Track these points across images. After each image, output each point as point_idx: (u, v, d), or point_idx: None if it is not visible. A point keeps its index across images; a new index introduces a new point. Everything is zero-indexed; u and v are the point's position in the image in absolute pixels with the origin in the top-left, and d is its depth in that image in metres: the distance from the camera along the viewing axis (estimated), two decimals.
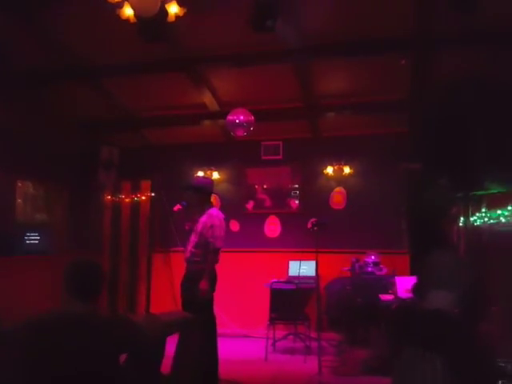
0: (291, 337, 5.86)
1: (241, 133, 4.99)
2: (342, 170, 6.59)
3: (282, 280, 5.92)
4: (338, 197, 6.62)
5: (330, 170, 6.63)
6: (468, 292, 2.00)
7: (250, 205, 6.86)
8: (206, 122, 6.38)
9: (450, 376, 1.68)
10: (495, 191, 2.29)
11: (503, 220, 3.03)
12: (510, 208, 2.82)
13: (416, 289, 1.95)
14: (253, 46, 4.85)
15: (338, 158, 6.61)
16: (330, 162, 6.64)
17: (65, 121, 6.26)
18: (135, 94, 5.94)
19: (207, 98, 5.91)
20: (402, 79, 5.36)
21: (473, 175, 2.16)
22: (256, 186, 6.88)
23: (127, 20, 3.34)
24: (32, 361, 1.89)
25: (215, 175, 6.87)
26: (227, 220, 6.46)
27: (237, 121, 4.95)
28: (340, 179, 6.62)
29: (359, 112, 6.05)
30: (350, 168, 6.60)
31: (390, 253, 5.78)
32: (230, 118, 5.02)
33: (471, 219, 3.25)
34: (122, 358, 2.16)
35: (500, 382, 1.59)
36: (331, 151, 6.59)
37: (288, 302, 5.54)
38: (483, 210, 3.22)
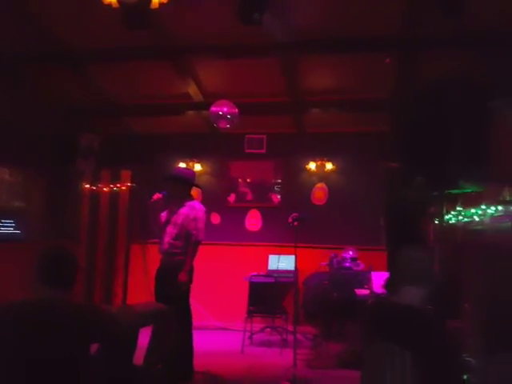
0: (268, 330, 5.89)
1: (224, 125, 4.98)
2: (325, 166, 6.63)
3: (261, 274, 5.94)
4: (319, 192, 6.66)
5: (312, 165, 6.67)
6: (439, 289, 2.04)
7: (231, 198, 6.86)
8: (190, 113, 6.35)
9: (418, 370, 1.71)
10: (469, 190, 2.34)
11: (477, 219, 3.09)
12: (483, 207, 2.88)
13: (388, 284, 1.98)
14: (240, 38, 4.83)
15: (321, 154, 6.65)
16: (313, 157, 6.67)
17: (44, 106, 6.15)
18: (118, 81, 5.87)
19: (192, 88, 5.87)
20: (388, 78, 5.40)
21: (449, 174, 2.19)
22: (239, 180, 6.87)
23: (109, 5, 3.29)
24: (3, 348, 1.87)
25: (197, 167, 6.84)
26: (208, 213, 6.48)
27: (220, 112, 4.93)
28: (322, 175, 6.65)
29: (344, 109, 6.09)
30: (333, 164, 6.65)
31: (368, 249, 5.85)
32: (213, 109, 4.99)
33: (446, 218, 3.30)
34: (94, 348, 2.15)
35: (465, 376, 1.62)
36: (314, 147, 6.62)
37: (266, 296, 5.57)
38: (458, 208, 3.28)
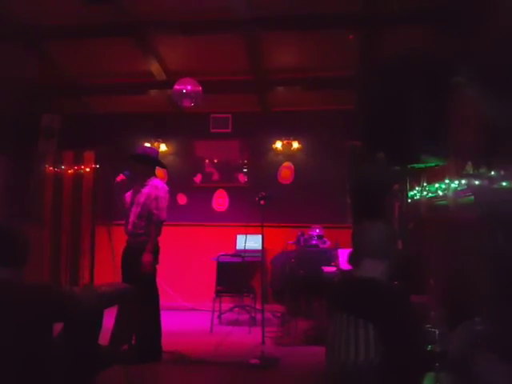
0: (237, 309, 5.91)
1: (188, 103, 4.88)
2: (291, 145, 6.62)
3: (229, 253, 5.93)
4: (286, 171, 6.66)
5: (278, 144, 6.65)
6: (402, 263, 2.06)
7: (197, 178, 6.78)
8: (153, 92, 6.19)
9: (381, 342, 1.73)
10: (432, 165, 2.37)
11: (440, 193, 3.13)
12: (446, 181, 2.92)
13: (351, 257, 1.98)
14: (202, 14, 4.71)
15: (287, 133, 6.63)
16: (279, 136, 6.65)
17: (1, 86, 5.86)
18: (78, 59, 5.64)
19: (154, 67, 5.70)
20: (352, 56, 5.39)
21: (410, 149, 2.21)
22: (206, 160, 6.79)
23: None
24: None
25: (163, 147, 6.71)
26: (174, 193, 6.39)
27: (184, 91, 4.82)
28: (288, 154, 6.65)
29: (309, 87, 6.06)
30: (299, 143, 6.64)
31: (335, 227, 5.91)
32: (176, 87, 4.88)
33: (411, 193, 3.35)
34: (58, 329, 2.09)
35: (429, 346, 1.66)
36: (280, 126, 6.60)
37: (234, 275, 5.57)
38: (423, 183, 3.33)
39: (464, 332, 1.68)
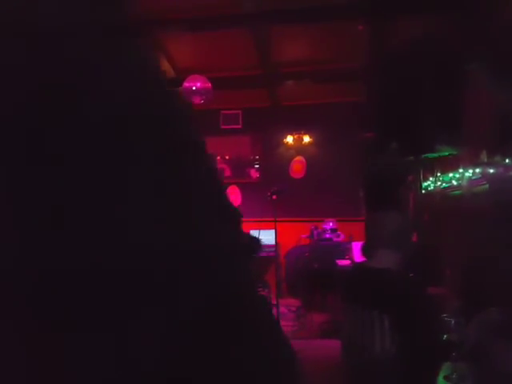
0: None
1: (198, 100, 4.87)
2: (302, 139, 6.59)
3: None
4: (297, 166, 6.63)
5: (289, 139, 6.62)
6: (417, 253, 2.03)
7: None
8: None
9: (397, 334, 1.71)
10: (445, 154, 2.33)
11: (455, 183, 3.08)
12: (461, 170, 2.87)
13: (365, 248, 1.96)
14: (210, 10, 4.70)
15: (298, 127, 6.60)
16: (290, 131, 6.62)
17: None
18: None
19: (163, 65, 5.70)
20: (362, 47, 5.33)
21: (423, 138, 2.17)
22: (218, 157, 6.78)
23: None
24: None
25: None
26: None
27: (193, 88, 4.82)
28: (300, 148, 6.62)
29: (319, 80, 6.01)
30: (310, 137, 6.61)
31: (348, 220, 5.88)
32: (186, 84, 4.88)
33: (425, 184, 3.30)
34: None
35: (445, 335, 1.63)
36: (291, 120, 6.57)
37: None
38: (437, 174, 3.28)
39: (482, 321, 1.65)
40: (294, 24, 5.15)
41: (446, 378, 1.55)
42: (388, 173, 3.21)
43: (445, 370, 1.63)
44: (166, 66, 5.72)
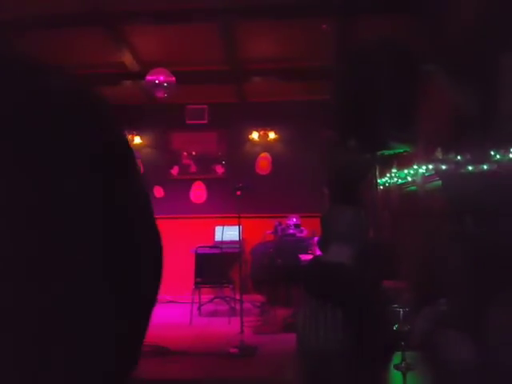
0: (217, 300, 5.93)
1: (161, 94, 4.83)
2: (268, 136, 6.63)
3: (207, 245, 5.92)
4: (263, 162, 6.67)
5: (255, 135, 6.64)
6: (371, 248, 2.09)
7: (174, 170, 6.73)
8: (127, 83, 6.10)
9: (349, 325, 1.76)
10: (401, 151, 2.40)
11: (409, 179, 3.18)
12: (415, 167, 2.97)
13: (320, 243, 2.00)
14: (176, 3, 4.65)
15: (264, 124, 6.63)
16: (256, 127, 6.64)
17: None
18: (47, 50, 5.50)
19: (126, 57, 5.62)
20: (328, 46, 5.39)
21: (378, 135, 2.23)
22: (184, 153, 6.74)
23: None
24: None
25: (137, 140, 6.64)
26: (151, 186, 6.34)
27: (156, 81, 4.77)
28: (265, 145, 6.66)
29: (285, 78, 6.05)
30: (276, 134, 6.65)
31: (311, 216, 5.94)
32: (149, 78, 4.83)
33: (382, 180, 3.38)
34: None
35: (396, 326, 1.69)
36: (257, 116, 6.59)
37: (213, 267, 5.58)
38: (393, 170, 3.37)
39: (429, 312, 1.72)
40: (261, 20, 5.16)
41: (395, 366, 1.60)
42: (349, 170, 3.28)
43: (396, 358, 1.69)
44: (129, 58, 5.64)
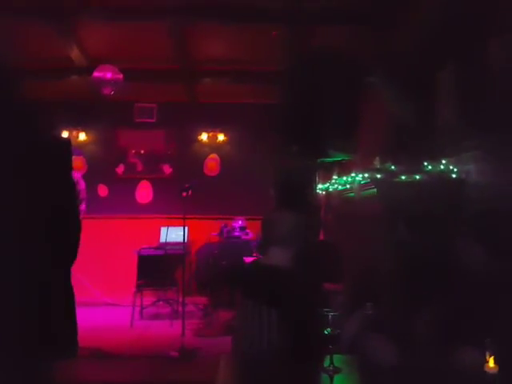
0: (161, 303, 5.84)
1: (108, 91, 4.72)
2: (217, 137, 6.63)
3: (152, 246, 5.82)
4: (211, 163, 6.66)
5: (204, 136, 6.63)
6: (310, 251, 2.14)
7: (120, 169, 6.58)
8: (73, 78, 5.90)
9: (283, 327, 1.79)
10: (339, 159, 2.48)
11: (348, 186, 3.29)
12: (353, 175, 3.08)
13: (259, 246, 2.03)
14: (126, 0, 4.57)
15: (213, 125, 6.62)
16: (205, 128, 6.62)
17: None
18: None
19: (73, 52, 5.45)
20: (278, 51, 5.46)
21: (318, 143, 2.29)
22: (132, 151, 6.60)
23: None
24: None
25: (82, 136, 6.44)
26: (95, 184, 6.17)
27: (104, 78, 4.65)
28: (214, 146, 6.65)
29: (236, 80, 6.07)
30: (225, 135, 6.66)
31: (257, 219, 5.98)
32: (96, 74, 4.71)
33: (323, 186, 3.48)
34: None
35: (328, 330, 1.73)
36: (207, 118, 6.57)
37: (157, 269, 5.49)
38: (333, 177, 3.48)
39: (357, 316, 1.79)
40: (213, 22, 5.15)
41: (323, 369, 1.64)
42: (293, 174, 3.34)
43: (325, 361, 1.74)
44: (76, 53, 5.46)
